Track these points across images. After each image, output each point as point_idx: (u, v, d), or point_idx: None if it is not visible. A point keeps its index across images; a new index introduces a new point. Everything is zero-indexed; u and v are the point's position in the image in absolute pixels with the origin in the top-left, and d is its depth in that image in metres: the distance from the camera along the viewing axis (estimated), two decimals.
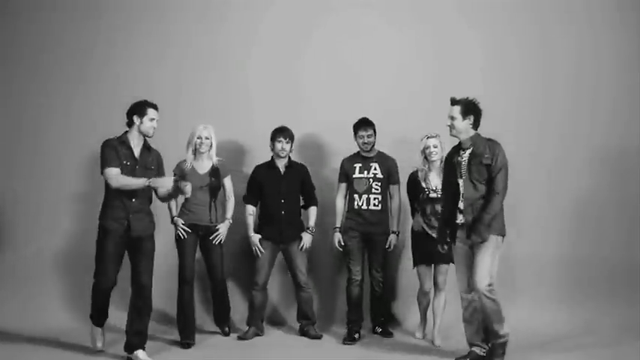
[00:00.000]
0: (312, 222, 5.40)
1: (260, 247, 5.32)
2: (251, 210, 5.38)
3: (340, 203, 5.44)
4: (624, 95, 5.84)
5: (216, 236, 5.19)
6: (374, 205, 5.30)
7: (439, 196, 4.99)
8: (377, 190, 5.32)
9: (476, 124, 4.52)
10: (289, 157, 5.41)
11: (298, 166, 5.46)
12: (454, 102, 4.53)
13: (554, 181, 5.79)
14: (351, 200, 5.37)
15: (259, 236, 5.34)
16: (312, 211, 5.43)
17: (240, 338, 5.25)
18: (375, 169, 5.35)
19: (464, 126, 4.49)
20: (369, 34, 5.91)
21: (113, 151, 4.55)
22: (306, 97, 5.86)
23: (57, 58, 5.96)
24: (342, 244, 5.36)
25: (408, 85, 5.85)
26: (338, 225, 5.42)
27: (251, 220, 5.37)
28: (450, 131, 4.55)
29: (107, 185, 4.58)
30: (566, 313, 5.53)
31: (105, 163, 4.53)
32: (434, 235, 4.95)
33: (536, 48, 5.90)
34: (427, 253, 5.07)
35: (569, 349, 4.89)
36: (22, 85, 5.96)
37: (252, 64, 5.91)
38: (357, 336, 5.23)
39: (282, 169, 5.37)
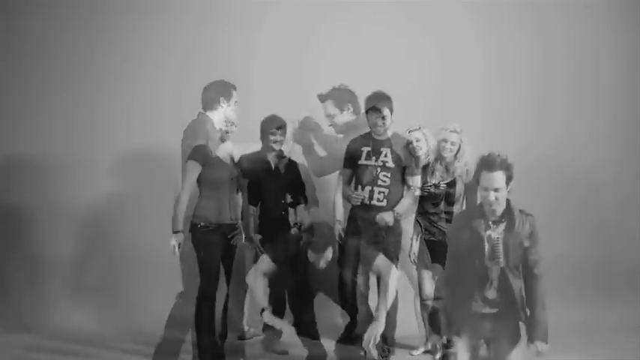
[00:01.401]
0: (298, 218, 5.23)
1: (261, 247, 5.31)
2: (252, 210, 5.38)
3: (339, 196, 4.75)
4: (628, 96, 5.90)
5: (235, 235, 4.67)
6: (378, 200, 4.55)
7: (424, 194, 4.61)
8: (384, 182, 4.55)
9: (356, 110, 4.02)
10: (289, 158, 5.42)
11: (299, 166, 5.45)
12: (323, 99, 4.04)
13: (554, 182, 5.82)
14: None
15: (260, 236, 5.33)
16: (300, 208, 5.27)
17: (240, 338, 5.24)
18: (386, 155, 4.54)
19: (346, 118, 4.07)
20: (371, 33, 5.93)
21: None
22: (309, 97, 5.84)
23: (57, 58, 5.96)
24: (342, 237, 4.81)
25: (409, 84, 5.88)
26: (339, 218, 4.75)
27: (252, 221, 5.36)
28: (335, 129, 4.09)
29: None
30: (566, 313, 5.52)
31: None
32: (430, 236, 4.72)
33: (537, 48, 5.97)
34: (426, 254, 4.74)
35: (570, 349, 4.89)
36: (21, 84, 5.95)
37: (254, 63, 5.92)
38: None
39: (282, 169, 5.38)
